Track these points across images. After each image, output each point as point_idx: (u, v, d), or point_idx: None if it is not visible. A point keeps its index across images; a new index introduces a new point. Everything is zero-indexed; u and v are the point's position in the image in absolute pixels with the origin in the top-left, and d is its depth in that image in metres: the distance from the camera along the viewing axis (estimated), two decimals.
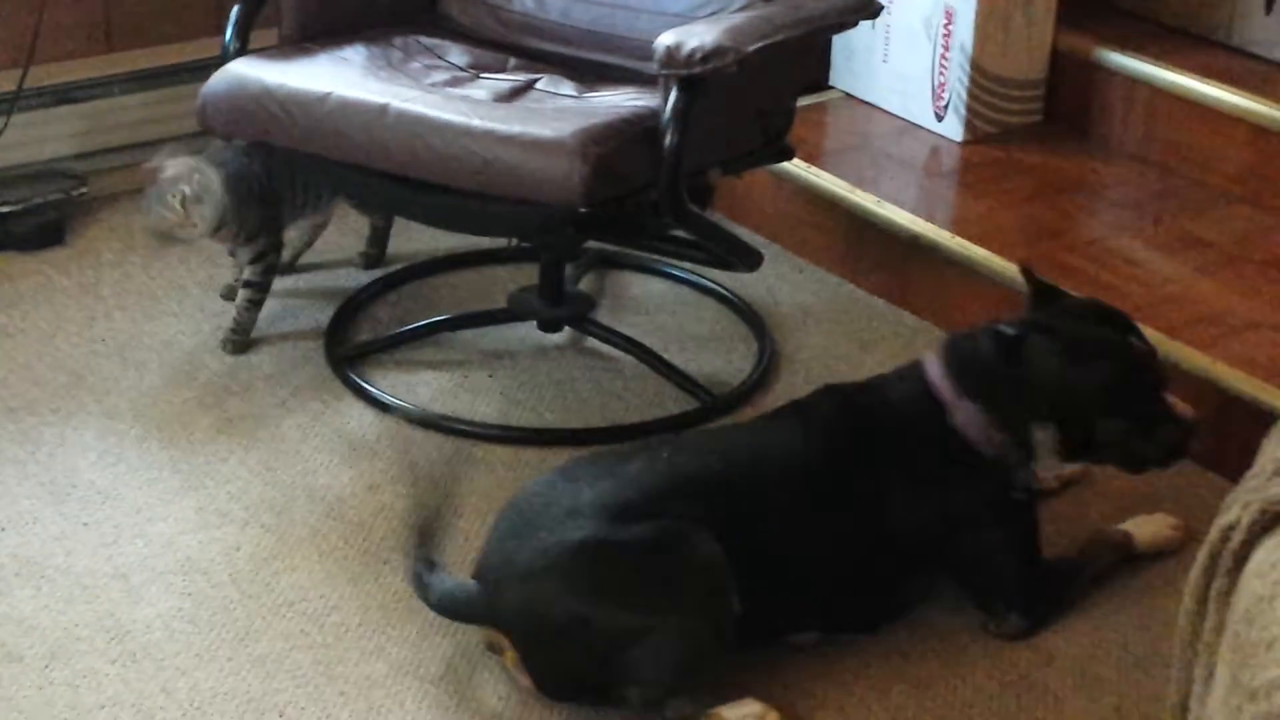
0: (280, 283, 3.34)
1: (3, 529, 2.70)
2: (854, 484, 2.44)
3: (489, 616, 2.34)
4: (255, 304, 3.18)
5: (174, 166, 3.03)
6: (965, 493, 2.47)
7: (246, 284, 3.16)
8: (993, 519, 2.48)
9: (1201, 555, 1.90)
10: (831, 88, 3.91)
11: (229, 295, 3.29)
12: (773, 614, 2.40)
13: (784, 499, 2.41)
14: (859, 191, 3.48)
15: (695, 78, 2.64)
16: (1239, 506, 1.87)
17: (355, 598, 2.57)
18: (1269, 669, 1.62)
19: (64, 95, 3.64)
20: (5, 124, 3.53)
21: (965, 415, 2.46)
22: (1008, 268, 3.18)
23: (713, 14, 2.92)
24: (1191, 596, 1.92)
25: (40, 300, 3.34)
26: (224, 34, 3.01)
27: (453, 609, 2.39)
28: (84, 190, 3.62)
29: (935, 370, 2.50)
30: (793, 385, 3.09)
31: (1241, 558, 1.83)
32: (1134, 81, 3.61)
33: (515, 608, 2.30)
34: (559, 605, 2.27)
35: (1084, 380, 2.41)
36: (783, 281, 3.47)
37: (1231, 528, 1.86)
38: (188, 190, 3.02)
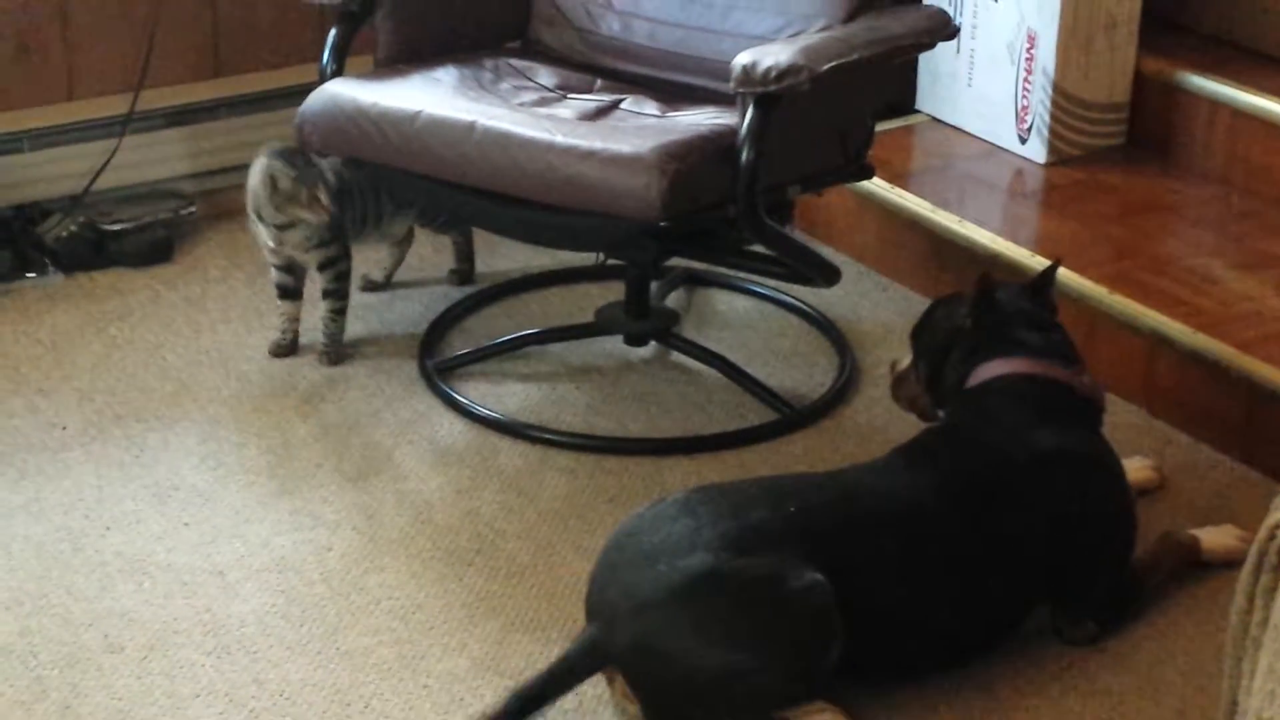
0: (377, 298, 3.47)
1: (108, 528, 2.82)
2: (981, 520, 2.46)
3: (606, 652, 2.33)
4: (338, 313, 3.29)
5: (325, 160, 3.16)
6: (1093, 481, 2.53)
7: (325, 294, 3.28)
8: (1110, 514, 2.55)
9: (1251, 554, 1.94)
10: (917, 111, 3.98)
11: (369, 288, 3.52)
12: (884, 659, 2.43)
13: (905, 543, 2.43)
14: (941, 211, 3.54)
15: (771, 95, 2.73)
16: None
17: (440, 597, 2.67)
18: None
19: (174, 118, 3.79)
20: (118, 145, 3.69)
21: (1087, 380, 2.60)
22: (1087, 285, 3.23)
23: (793, 35, 3.01)
24: (1242, 594, 1.96)
25: (148, 314, 3.48)
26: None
27: (573, 673, 2.36)
28: (192, 210, 3.77)
29: (1022, 364, 2.58)
30: (873, 399, 3.16)
31: None
32: (1215, 104, 3.65)
33: (632, 638, 2.30)
34: (677, 636, 2.29)
35: None
36: (865, 299, 3.54)
37: (1277, 526, 1.91)
38: (333, 181, 3.16)
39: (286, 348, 3.31)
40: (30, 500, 2.87)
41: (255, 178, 3.17)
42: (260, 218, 3.20)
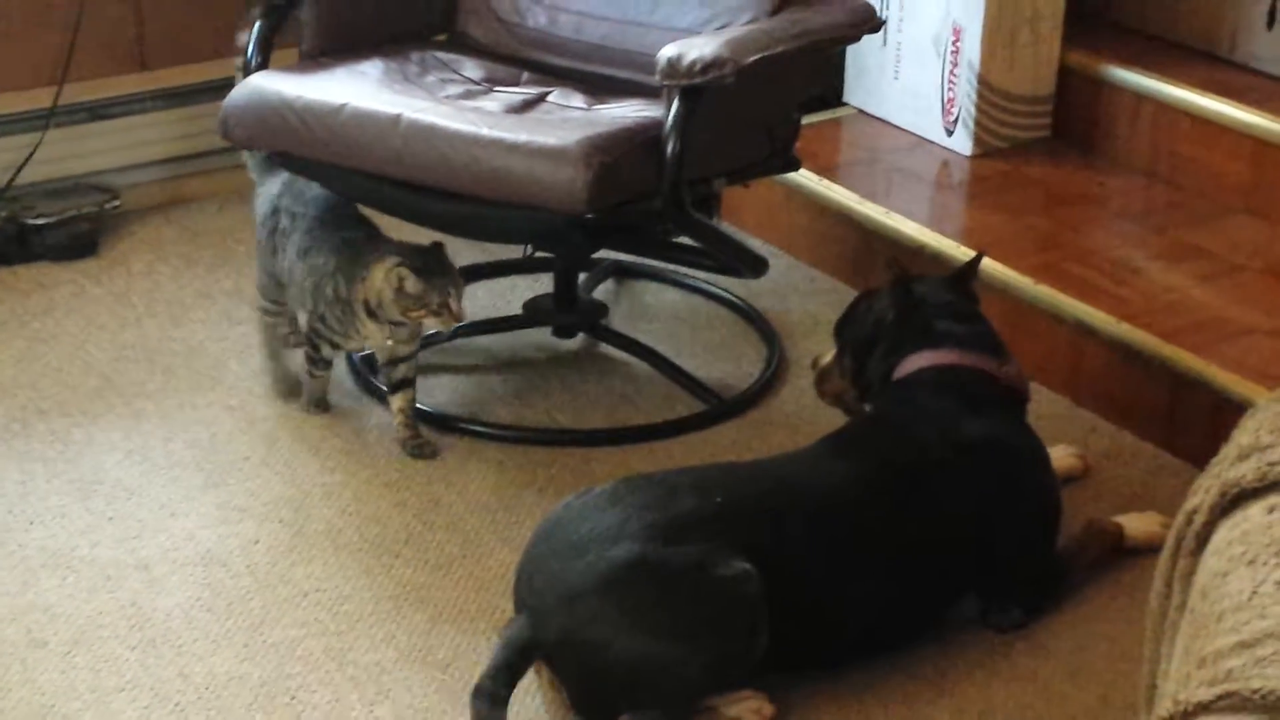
0: None
1: (31, 523, 2.80)
2: (908, 509, 2.48)
3: (537, 642, 2.32)
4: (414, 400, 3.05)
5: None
6: (1019, 470, 2.57)
7: (406, 383, 3.01)
8: (1036, 502, 2.58)
9: (1169, 539, 1.96)
10: (845, 104, 4.00)
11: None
12: (811, 647, 2.44)
13: (832, 533, 2.44)
14: (868, 203, 3.56)
15: (695, 88, 2.73)
16: (1202, 491, 1.94)
17: (368, 588, 2.66)
18: (1217, 638, 1.69)
19: (98, 112, 3.76)
20: (41, 139, 3.66)
21: (1012, 369, 2.64)
22: (1012, 276, 3.26)
23: (719, 29, 3.02)
24: (1160, 579, 1.98)
25: (73, 308, 3.45)
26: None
27: (513, 666, 2.32)
28: (116, 204, 3.74)
29: (948, 355, 2.61)
30: (800, 390, 3.17)
31: (1203, 539, 1.89)
32: (1139, 97, 3.68)
33: (561, 628, 2.30)
34: (605, 625, 2.29)
35: None
36: (793, 291, 3.55)
37: (1194, 511, 1.93)
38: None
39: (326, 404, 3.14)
40: None
41: (378, 278, 2.90)
42: (370, 313, 2.94)
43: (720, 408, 3.12)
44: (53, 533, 2.78)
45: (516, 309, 3.36)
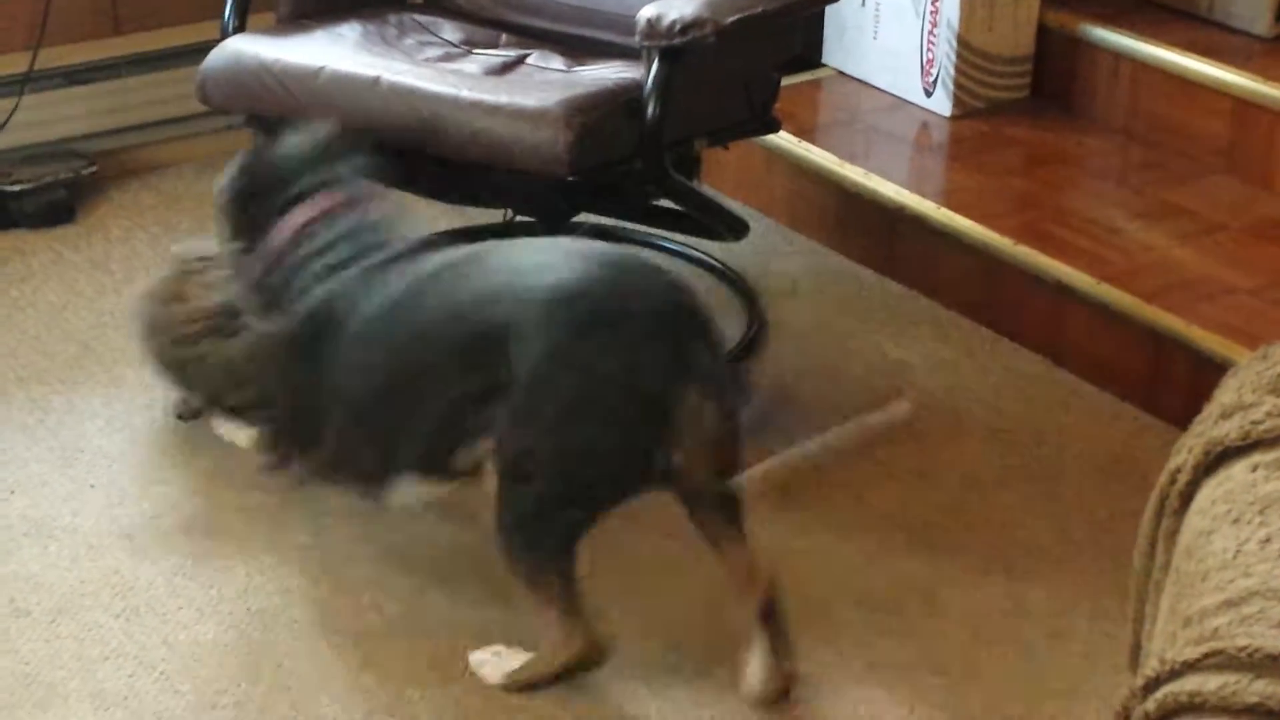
0: None
1: (12, 492, 2.79)
2: None
3: None
4: None
5: None
6: None
7: None
8: None
9: (1152, 499, 1.97)
10: (824, 65, 3.99)
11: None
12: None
13: None
14: (848, 165, 3.56)
15: (675, 49, 2.72)
16: (1185, 450, 1.95)
17: (357, 554, 2.65)
18: (1202, 597, 1.70)
19: (74, 76, 3.73)
20: (16, 105, 3.63)
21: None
22: (992, 237, 3.26)
23: None
24: (1144, 538, 1.99)
25: (50, 275, 3.44)
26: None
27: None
28: (93, 169, 3.72)
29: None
30: (781, 353, 3.17)
31: (1187, 498, 1.90)
32: (1118, 57, 3.68)
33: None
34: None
35: None
36: (773, 253, 3.55)
37: (1178, 470, 1.93)
38: None
39: None
40: None
41: None
42: None
43: None
44: (34, 501, 2.77)
45: None
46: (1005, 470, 2.88)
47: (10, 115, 3.63)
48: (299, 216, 2.61)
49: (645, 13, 2.74)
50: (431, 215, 3.60)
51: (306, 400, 2.51)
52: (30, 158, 3.69)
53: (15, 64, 3.64)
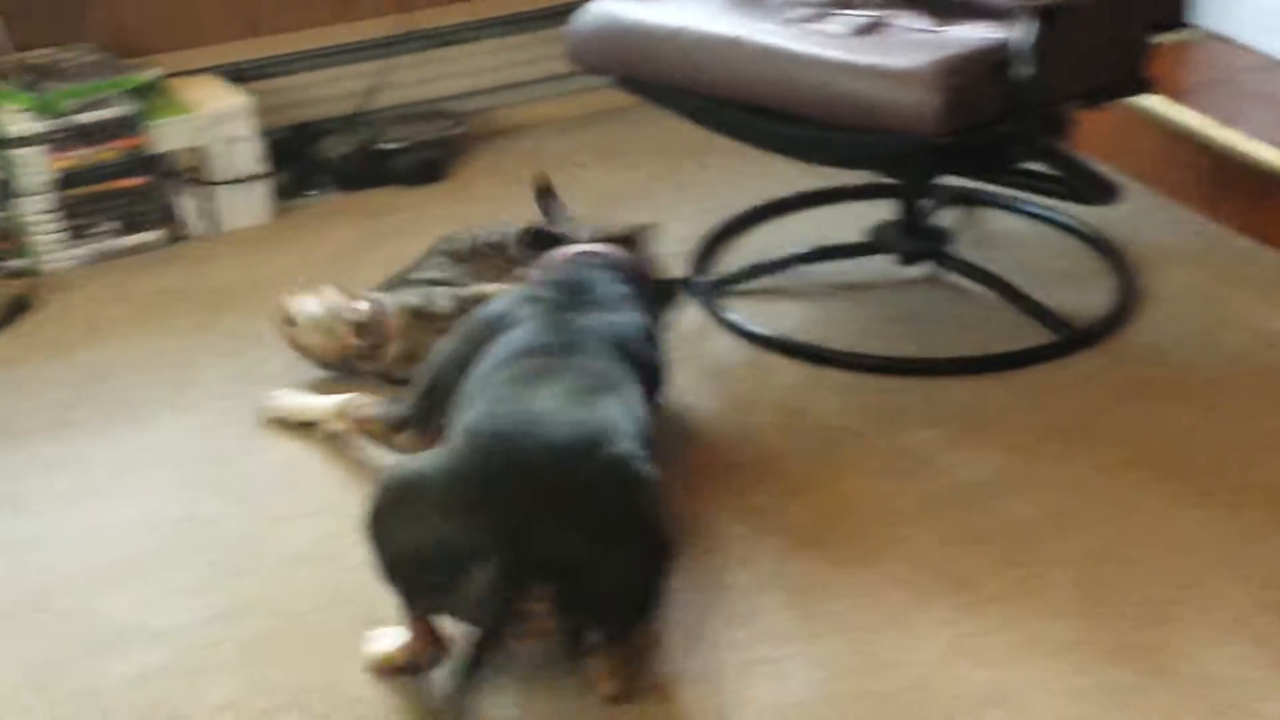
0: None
1: None
2: None
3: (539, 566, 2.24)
4: None
5: None
6: None
7: None
8: None
9: None
10: (1193, 25, 3.87)
11: None
12: None
13: None
14: (1223, 128, 3.44)
15: (1052, 8, 2.67)
16: None
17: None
18: None
19: (445, 38, 3.84)
20: (391, 66, 3.76)
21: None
22: None
23: None
24: None
25: (421, 230, 3.53)
26: None
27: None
28: (463, 129, 3.83)
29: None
30: (1154, 323, 3.09)
31: None
32: None
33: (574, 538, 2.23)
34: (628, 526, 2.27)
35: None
36: (1144, 220, 3.46)
37: None
38: None
39: None
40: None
41: None
42: None
43: (1072, 337, 3.06)
44: None
45: (858, 235, 3.33)
46: None
47: (385, 76, 3.75)
48: (569, 251, 2.75)
49: None
50: (791, 175, 3.62)
51: (446, 381, 2.58)
52: (404, 117, 3.82)
53: (391, 26, 3.76)
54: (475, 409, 2.33)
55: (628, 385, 2.44)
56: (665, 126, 3.80)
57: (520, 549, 2.13)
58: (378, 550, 2.23)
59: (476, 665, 2.12)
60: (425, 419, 2.64)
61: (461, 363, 2.56)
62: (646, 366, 2.58)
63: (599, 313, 2.59)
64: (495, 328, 2.58)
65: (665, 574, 2.26)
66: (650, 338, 2.65)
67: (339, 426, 2.81)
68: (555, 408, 2.28)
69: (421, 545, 2.18)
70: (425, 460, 2.25)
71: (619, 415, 2.32)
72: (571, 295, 2.62)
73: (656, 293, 2.80)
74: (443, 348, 2.68)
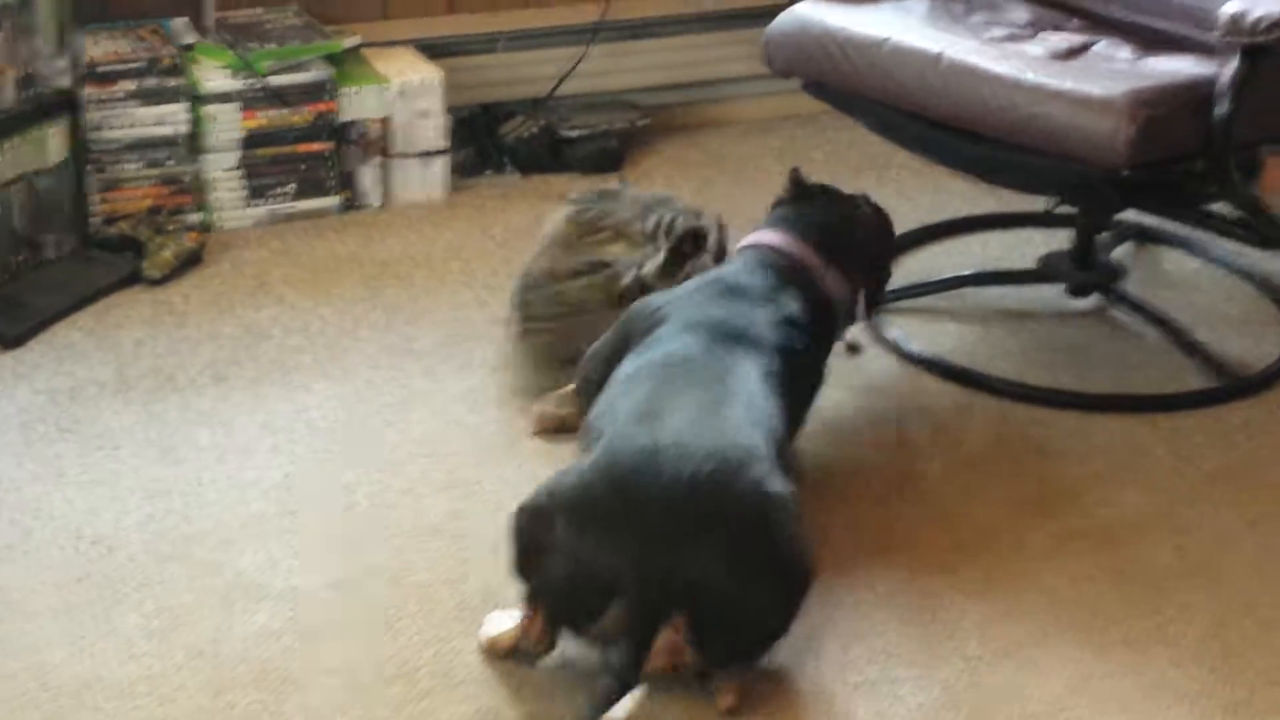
0: None
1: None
2: None
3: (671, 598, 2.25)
4: None
5: None
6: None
7: None
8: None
9: None
10: None
11: None
12: None
13: None
14: None
15: (1260, 46, 2.61)
16: None
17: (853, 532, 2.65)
18: None
19: (638, 31, 3.85)
20: (584, 54, 3.77)
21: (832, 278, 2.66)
22: None
23: None
24: None
25: None
26: None
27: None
28: (645, 121, 3.83)
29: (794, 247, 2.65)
30: None
31: None
32: None
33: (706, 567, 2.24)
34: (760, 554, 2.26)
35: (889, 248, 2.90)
36: None
37: None
38: None
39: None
40: (471, 389, 2.96)
41: None
42: None
43: (1236, 385, 2.97)
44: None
45: (1029, 263, 3.27)
46: None
47: (576, 63, 3.77)
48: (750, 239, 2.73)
49: (1229, 8, 2.62)
50: (968, 196, 3.56)
51: (601, 369, 2.58)
52: (589, 106, 3.83)
53: (588, 14, 3.78)
54: (615, 420, 2.32)
55: (770, 395, 2.42)
56: (848, 137, 3.79)
57: (659, 583, 2.14)
58: (520, 560, 2.26)
59: (608, 702, 2.14)
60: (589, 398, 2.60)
61: (618, 350, 2.57)
62: (799, 374, 2.55)
63: (759, 311, 2.55)
64: (654, 321, 2.58)
65: (801, 600, 2.25)
66: (807, 345, 2.60)
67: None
68: (691, 425, 2.26)
69: (560, 573, 2.21)
70: (567, 482, 2.24)
71: (755, 434, 2.30)
72: (732, 294, 2.59)
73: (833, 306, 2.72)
74: (607, 338, 2.68)
